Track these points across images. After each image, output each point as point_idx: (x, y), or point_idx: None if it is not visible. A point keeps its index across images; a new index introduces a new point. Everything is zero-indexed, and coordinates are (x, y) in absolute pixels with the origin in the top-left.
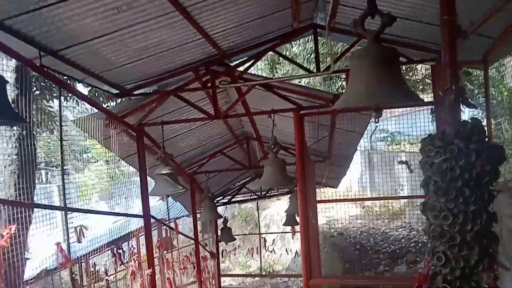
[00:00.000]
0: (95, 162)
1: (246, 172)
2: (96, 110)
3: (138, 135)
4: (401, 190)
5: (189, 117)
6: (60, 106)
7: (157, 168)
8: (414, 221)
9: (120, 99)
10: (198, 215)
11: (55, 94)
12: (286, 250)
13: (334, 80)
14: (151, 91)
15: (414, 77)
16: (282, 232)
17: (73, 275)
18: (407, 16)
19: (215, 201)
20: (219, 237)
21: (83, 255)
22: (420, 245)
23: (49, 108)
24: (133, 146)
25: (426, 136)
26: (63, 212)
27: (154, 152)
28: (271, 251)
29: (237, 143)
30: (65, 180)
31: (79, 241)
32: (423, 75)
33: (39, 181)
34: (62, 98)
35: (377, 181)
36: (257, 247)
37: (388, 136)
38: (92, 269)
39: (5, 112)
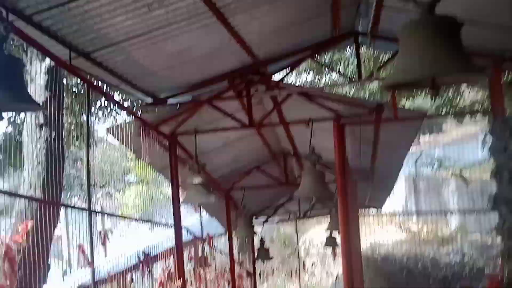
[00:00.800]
0: (136, 184)
1: (284, 192)
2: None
3: (170, 144)
4: (451, 215)
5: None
6: (88, 107)
7: (189, 178)
8: (466, 247)
9: (153, 108)
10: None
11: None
12: (327, 273)
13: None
14: (185, 100)
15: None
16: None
17: None
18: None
19: (251, 218)
20: (255, 256)
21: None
22: (475, 271)
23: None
24: (167, 157)
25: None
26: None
27: (188, 164)
28: (311, 274)
29: (274, 160)
30: (103, 197)
31: (103, 244)
32: (471, 101)
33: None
34: (98, 108)
35: (424, 207)
36: (296, 269)
37: (435, 162)
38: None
39: (20, 95)
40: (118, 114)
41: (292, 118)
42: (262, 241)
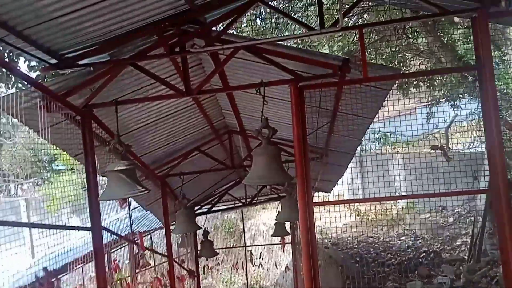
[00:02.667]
0: (64, 172)
1: (228, 175)
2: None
3: (83, 120)
4: (399, 194)
5: (152, 95)
6: None
7: (110, 165)
8: (417, 227)
9: (58, 72)
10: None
11: None
12: (275, 264)
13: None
14: (101, 60)
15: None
16: (269, 244)
17: None
18: None
19: (192, 210)
20: (198, 252)
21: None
22: (432, 255)
23: None
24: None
25: None
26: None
27: (107, 146)
28: (258, 266)
29: (217, 139)
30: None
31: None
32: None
33: (8, 194)
34: None
35: (371, 186)
36: (242, 262)
37: (380, 138)
38: None
39: None
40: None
41: (239, 82)
42: (205, 232)
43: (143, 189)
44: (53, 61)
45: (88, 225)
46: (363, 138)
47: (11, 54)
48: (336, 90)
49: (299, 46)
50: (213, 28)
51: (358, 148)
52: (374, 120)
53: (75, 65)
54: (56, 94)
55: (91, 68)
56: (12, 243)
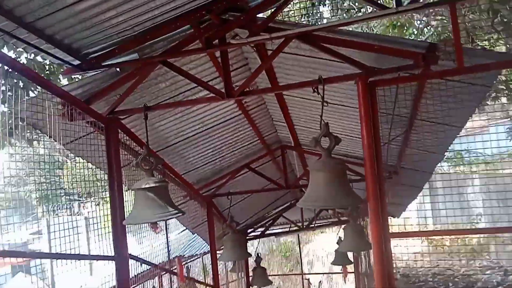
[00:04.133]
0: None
1: (283, 196)
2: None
3: (108, 129)
4: (479, 220)
5: (187, 99)
6: None
7: (138, 182)
8: (504, 259)
9: (80, 75)
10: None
11: None
12: None
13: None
14: (129, 60)
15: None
16: (329, 273)
17: None
18: None
19: (242, 235)
20: (250, 280)
21: None
22: None
23: None
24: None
25: None
26: None
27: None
28: None
29: (269, 155)
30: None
31: None
32: None
33: (71, 212)
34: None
35: (443, 211)
36: None
37: (454, 156)
38: None
39: None
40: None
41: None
42: (258, 258)
43: (176, 211)
44: (76, 62)
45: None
46: (446, 153)
47: (52, 66)
48: (417, 88)
49: None
50: (258, 15)
51: None
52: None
53: (100, 66)
54: (79, 100)
55: (118, 69)
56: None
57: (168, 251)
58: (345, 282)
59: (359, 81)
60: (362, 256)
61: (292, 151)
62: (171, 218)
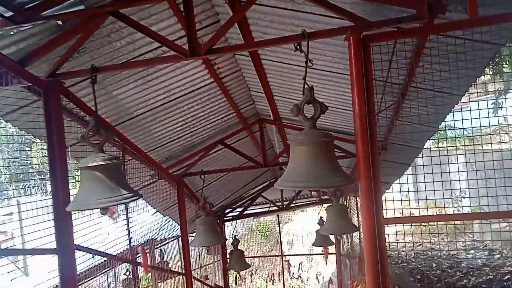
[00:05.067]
0: None
1: (262, 175)
2: None
3: (47, 95)
4: (462, 199)
5: (143, 59)
6: None
7: (83, 159)
8: (488, 239)
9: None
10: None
11: None
12: (317, 276)
13: None
14: (73, 11)
15: None
16: (309, 254)
17: None
18: None
19: (215, 218)
20: (227, 265)
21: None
22: None
23: None
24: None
25: None
26: None
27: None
28: (297, 278)
29: (245, 130)
30: None
31: None
32: None
33: (45, 193)
34: None
35: (426, 188)
36: (279, 273)
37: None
38: None
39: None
40: None
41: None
42: (235, 241)
43: (131, 194)
44: (8, 13)
45: None
46: (439, 127)
47: None
48: (416, 46)
49: None
50: None
51: None
52: None
53: (38, 18)
54: (11, 60)
55: (59, 22)
56: None
57: (129, 238)
58: (326, 263)
59: (351, 36)
60: (344, 237)
61: (271, 126)
62: (124, 203)
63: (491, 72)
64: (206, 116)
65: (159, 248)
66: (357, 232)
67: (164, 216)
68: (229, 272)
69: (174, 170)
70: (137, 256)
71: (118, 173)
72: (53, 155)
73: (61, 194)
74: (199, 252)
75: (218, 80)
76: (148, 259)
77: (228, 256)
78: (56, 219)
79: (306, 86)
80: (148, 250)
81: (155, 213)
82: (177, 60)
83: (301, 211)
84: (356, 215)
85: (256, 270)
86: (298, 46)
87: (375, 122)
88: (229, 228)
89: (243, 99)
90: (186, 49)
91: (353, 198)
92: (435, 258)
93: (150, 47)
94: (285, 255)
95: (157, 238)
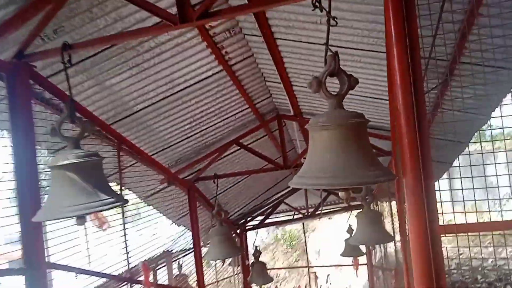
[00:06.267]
0: None
1: (284, 179)
2: None
3: (11, 79)
4: (506, 202)
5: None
6: None
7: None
8: None
9: None
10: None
11: None
12: None
13: None
14: None
15: None
16: (337, 266)
17: None
18: None
19: (229, 228)
20: (248, 278)
21: None
22: None
23: None
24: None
25: None
26: None
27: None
28: None
29: (263, 128)
30: None
31: None
32: None
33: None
34: None
35: (464, 191)
36: (305, 285)
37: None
38: None
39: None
40: None
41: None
42: (256, 252)
43: (112, 200)
44: None
45: None
46: (491, 115)
47: None
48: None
49: None
50: None
51: None
52: None
53: None
54: None
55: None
56: None
57: (127, 252)
58: (356, 275)
59: None
60: (376, 246)
61: (291, 123)
62: (103, 210)
63: None
64: (217, 112)
65: (177, 261)
66: None
67: (178, 226)
68: (251, 286)
69: (186, 174)
70: (138, 276)
71: (97, 174)
72: (19, 152)
73: (30, 201)
74: (222, 263)
75: (228, 68)
76: (151, 276)
77: (250, 268)
78: (23, 231)
79: (329, 52)
80: (164, 264)
81: (172, 223)
82: (166, 29)
83: (328, 218)
84: (390, 222)
85: (282, 281)
86: (317, 2)
87: (423, 98)
88: (253, 237)
89: (258, 91)
90: (175, 15)
91: (387, 203)
92: (480, 269)
93: (134, 20)
94: (311, 266)
95: (172, 250)
